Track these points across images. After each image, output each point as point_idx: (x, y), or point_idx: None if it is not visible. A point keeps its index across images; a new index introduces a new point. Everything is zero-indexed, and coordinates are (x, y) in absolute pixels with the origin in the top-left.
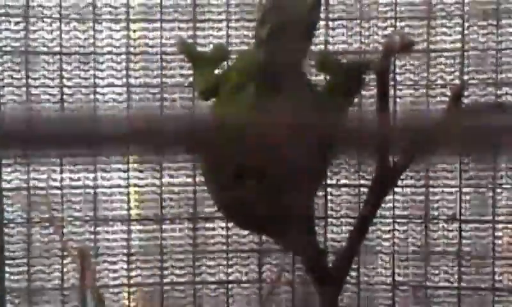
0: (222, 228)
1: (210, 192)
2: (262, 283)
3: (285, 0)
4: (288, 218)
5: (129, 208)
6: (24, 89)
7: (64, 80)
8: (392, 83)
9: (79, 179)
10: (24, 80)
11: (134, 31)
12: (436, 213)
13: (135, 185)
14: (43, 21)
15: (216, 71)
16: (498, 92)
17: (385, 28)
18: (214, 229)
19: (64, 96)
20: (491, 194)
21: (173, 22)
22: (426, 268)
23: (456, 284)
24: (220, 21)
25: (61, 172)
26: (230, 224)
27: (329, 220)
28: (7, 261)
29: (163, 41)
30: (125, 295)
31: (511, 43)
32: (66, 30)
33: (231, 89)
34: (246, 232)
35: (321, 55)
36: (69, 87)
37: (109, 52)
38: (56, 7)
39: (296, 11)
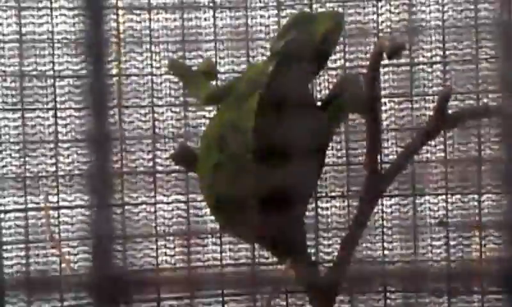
0: (216, 244)
1: (206, 201)
2: (256, 294)
3: (306, 19)
4: (282, 229)
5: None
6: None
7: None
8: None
9: (74, 200)
10: None
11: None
12: (423, 221)
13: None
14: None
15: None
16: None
17: (368, 44)
18: (206, 245)
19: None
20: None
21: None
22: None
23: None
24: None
25: (57, 193)
26: (223, 239)
27: (320, 232)
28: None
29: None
30: None
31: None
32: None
33: (236, 97)
34: (239, 245)
35: (348, 75)
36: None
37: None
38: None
39: (315, 32)
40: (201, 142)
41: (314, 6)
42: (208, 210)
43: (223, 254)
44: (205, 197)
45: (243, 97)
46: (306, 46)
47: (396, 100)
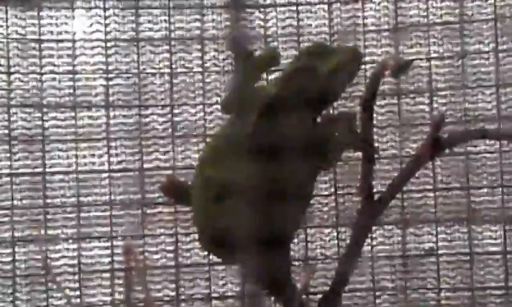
0: (204, 279)
1: (195, 225)
2: None
3: (321, 50)
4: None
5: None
6: None
7: None
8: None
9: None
10: None
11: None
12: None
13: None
14: None
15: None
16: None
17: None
18: (195, 279)
19: None
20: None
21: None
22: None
23: None
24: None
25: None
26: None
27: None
28: None
29: None
30: None
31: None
32: None
33: (236, 117)
34: (228, 278)
35: (342, 113)
36: None
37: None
38: None
39: (327, 64)
40: (196, 166)
41: (301, 38)
42: (196, 243)
43: (212, 287)
44: (193, 222)
45: (242, 115)
46: (314, 75)
47: (390, 128)
